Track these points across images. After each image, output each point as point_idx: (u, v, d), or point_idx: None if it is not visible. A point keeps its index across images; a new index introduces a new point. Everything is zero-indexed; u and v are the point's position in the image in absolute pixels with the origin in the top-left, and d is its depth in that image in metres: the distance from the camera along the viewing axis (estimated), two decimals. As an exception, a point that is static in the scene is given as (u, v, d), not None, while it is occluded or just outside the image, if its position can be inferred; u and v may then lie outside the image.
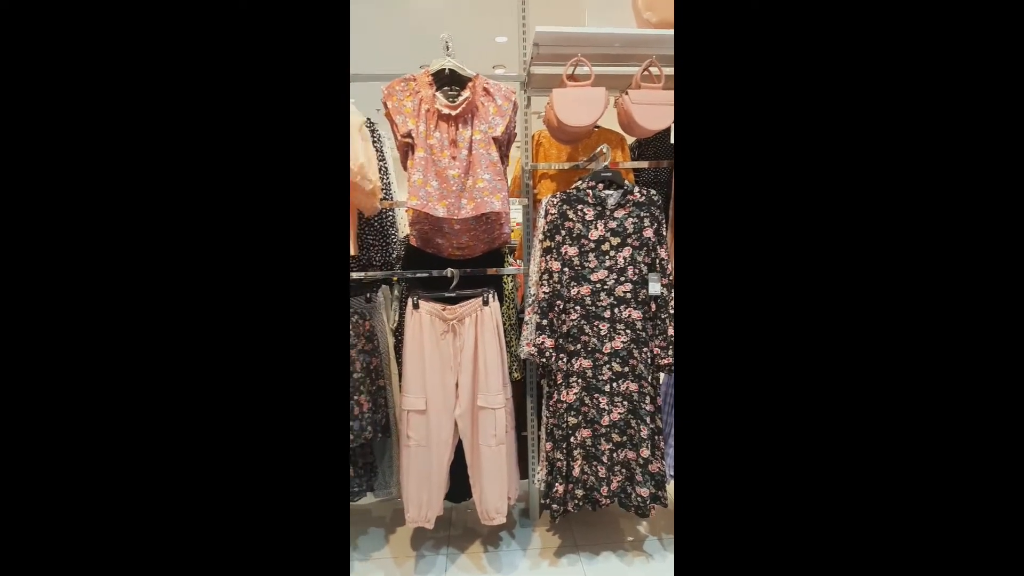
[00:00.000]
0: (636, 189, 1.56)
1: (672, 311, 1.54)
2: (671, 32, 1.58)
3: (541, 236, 1.55)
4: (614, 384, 1.55)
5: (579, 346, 1.54)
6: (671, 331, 1.53)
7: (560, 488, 1.56)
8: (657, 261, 1.54)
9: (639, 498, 1.55)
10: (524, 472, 1.78)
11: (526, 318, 1.58)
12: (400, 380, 1.61)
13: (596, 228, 1.54)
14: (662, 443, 1.61)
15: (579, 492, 1.58)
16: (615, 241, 1.54)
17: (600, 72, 1.59)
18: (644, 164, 1.88)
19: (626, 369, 1.54)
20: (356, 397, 1.47)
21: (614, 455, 1.56)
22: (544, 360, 1.53)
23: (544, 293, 1.53)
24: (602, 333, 1.54)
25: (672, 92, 1.54)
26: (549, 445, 1.58)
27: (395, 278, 1.78)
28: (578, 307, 1.54)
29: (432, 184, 1.41)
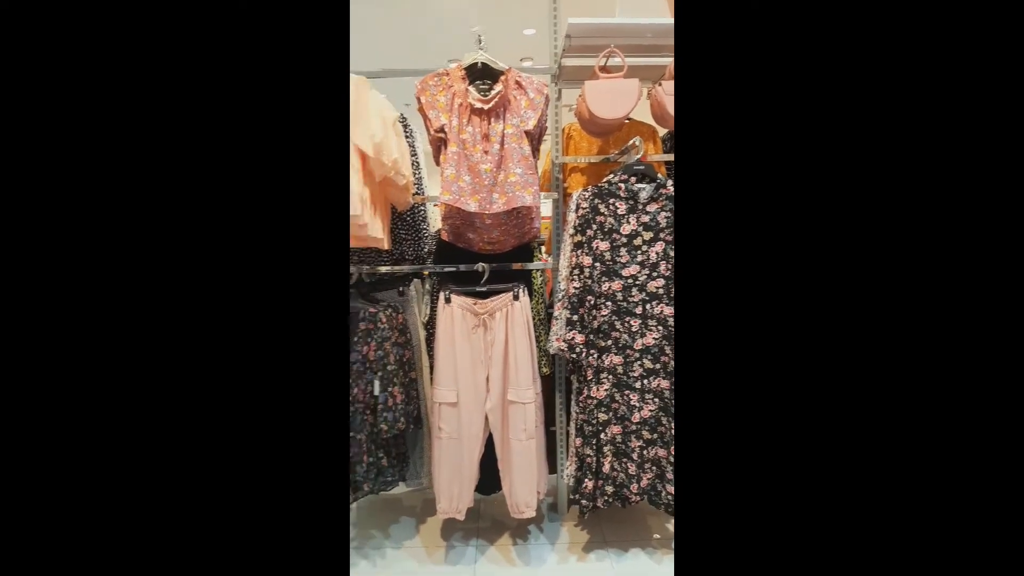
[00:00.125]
0: (669, 182, 1.53)
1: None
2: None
3: (572, 231, 1.54)
4: (645, 381, 1.53)
5: (610, 342, 1.53)
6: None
7: (590, 484, 1.56)
8: (691, 256, 1.51)
9: (669, 496, 1.54)
10: (552, 467, 1.78)
11: (555, 313, 1.57)
12: (431, 373, 1.63)
13: (628, 222, 1.52)
14: (694, 441, 1.58)
15: (609, 488, 1.57)
16: (647, 236, 1.52)
17: (632, 63, 1.57)
18: (677, 157, 1.84)
19: (657, 366, 1.52)
20: (390, 389, 1.50)
21: (644, 452, 1.55)
22: (574, 356, 1.52)
23: (574, 288, 1.52)
24: (633, 329, 1.52)
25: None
26: (579, 441, 1.58)
27: (426, 272, 1.80)
28: (609, 303, 1.52)
29: (464, 179, 1.42)
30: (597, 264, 1.52)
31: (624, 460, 1.56)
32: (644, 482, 1.56)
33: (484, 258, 1.65)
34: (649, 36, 1.60)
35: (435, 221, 1.92)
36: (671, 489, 1.53)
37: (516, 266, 1.67)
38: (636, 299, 1.52)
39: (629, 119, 1.79)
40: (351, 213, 1.34)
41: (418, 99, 1.46)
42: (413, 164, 1.71)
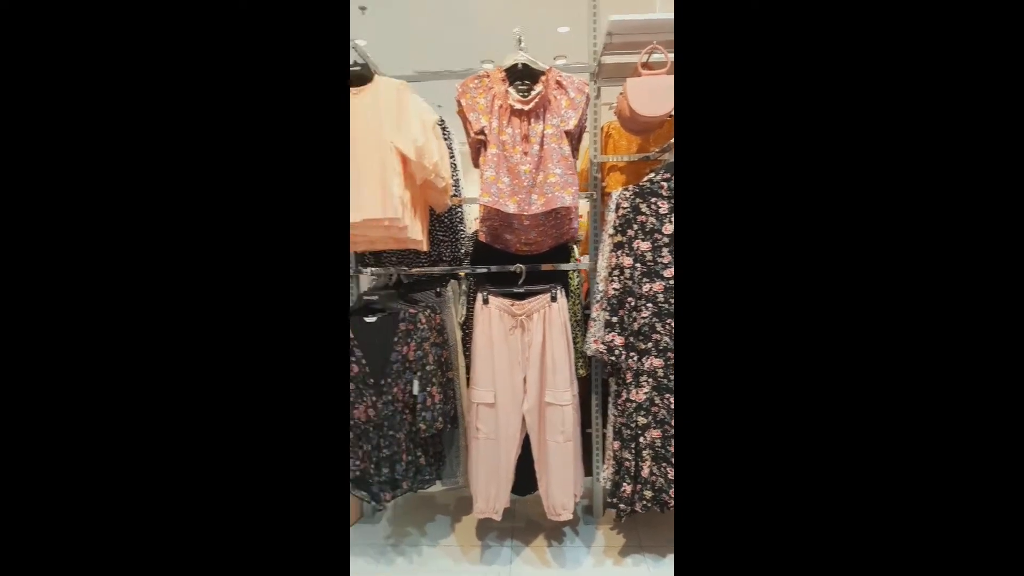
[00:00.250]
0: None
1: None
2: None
3: (611, 231, 1.52)
4: (686, 385, 1.49)
5: (650, 344, 1.50)
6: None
7: (628, 488, 1.54)
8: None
9: (711, 503, 1.50)
10: (588, 469, 1.77)
11: (593, 315, 1.55)
12: (468, 373, 1.64)
13: (670, 222, 1.48)
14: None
15: (647, 493, 1.55)
16: (690, 236, 1.48)
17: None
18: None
19: (699, 369, 1.49)
20: (429, 389, 1.52)
21: (685, 457, 1.52)
22: (613, 358, 1.50)
23: (614, 289, 1.50)
24: (674, 331, 1.49)
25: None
26: (617, 444, 1.55)
27: (462, 273, 1.80)
28: (650, 304, 1.49)
29: (504, 180, 1.42)
30: (638, 265, 1.49)
31: (663, 464, 1.53)
32: (684, 488, 1.53)
33: (521, 259, 1.64)
34: (692, 31, 1.55)
35: (472, 222, 1.93)
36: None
37: (549, 267, 1.66)
38: (677, 301, 1.49)
39: (670, 116, 1.75)
40: (392, 216, 1.36)
41: (458, 102, 1.46)
42: (451, 166, 1.72)
